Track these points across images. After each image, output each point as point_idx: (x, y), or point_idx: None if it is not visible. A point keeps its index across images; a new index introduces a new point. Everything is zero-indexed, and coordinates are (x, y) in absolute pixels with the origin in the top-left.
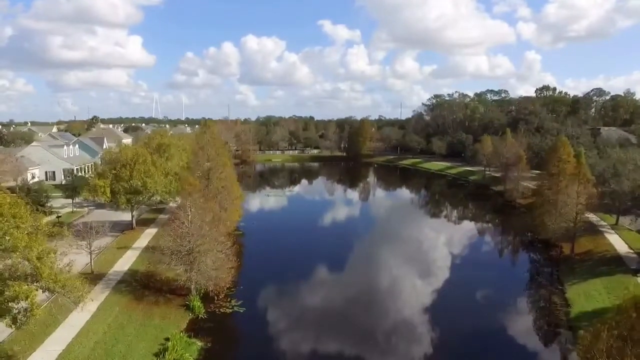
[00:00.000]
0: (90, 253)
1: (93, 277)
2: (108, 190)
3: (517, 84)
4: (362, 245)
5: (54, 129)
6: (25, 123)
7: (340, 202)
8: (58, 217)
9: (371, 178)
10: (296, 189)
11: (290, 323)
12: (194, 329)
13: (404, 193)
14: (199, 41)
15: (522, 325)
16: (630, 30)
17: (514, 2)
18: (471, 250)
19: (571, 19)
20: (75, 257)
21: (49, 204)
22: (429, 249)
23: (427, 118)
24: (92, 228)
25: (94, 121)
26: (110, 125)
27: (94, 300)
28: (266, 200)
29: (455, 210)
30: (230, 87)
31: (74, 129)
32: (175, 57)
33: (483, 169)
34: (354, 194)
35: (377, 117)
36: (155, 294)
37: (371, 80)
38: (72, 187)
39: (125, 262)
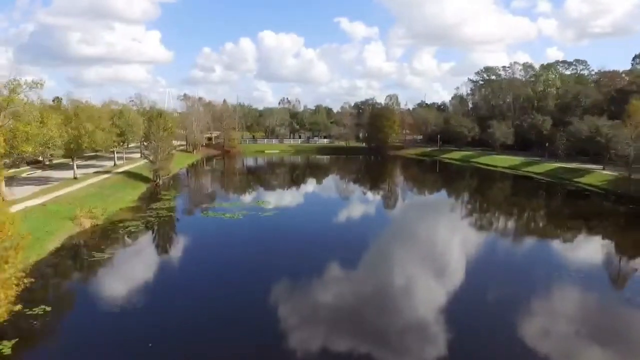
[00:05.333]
0: None
1: None
2: None
3: None
4: None
5: None
6: None
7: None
8: None
9: (408, 180)
10: (294, 197)
11: None
12: None
13: (479, 212)
14: (215, 37)
15: None
16: None
17: None
18: None
19: (595, 14)
20: None
21: None
22: None
23: (472, 99)
24: None
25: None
26: None
27: None
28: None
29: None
30: (247, 83)
31: None
32: (193, 53)
33: (604, 166)
34: (391, 211)
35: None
36: None
37: (388, 77)
38: None
39: None
